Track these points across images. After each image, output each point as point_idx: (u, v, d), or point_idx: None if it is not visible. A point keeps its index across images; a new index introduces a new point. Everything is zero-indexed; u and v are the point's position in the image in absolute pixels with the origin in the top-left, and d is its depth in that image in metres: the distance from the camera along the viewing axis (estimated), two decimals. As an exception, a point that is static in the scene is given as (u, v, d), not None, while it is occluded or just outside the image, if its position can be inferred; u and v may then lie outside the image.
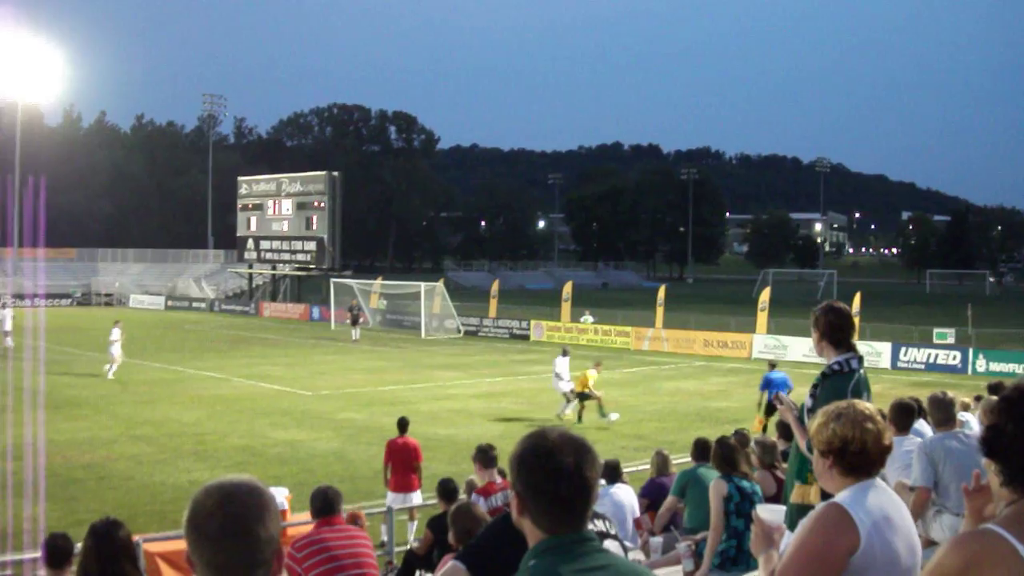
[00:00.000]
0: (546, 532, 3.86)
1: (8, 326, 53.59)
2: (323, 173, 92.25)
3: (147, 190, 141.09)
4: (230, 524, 3.36)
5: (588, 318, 71.65)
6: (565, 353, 37.24)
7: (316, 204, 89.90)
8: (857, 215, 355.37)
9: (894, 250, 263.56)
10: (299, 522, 11.55)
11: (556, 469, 3.81)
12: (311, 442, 31.39)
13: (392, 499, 20.30)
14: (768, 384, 32.64)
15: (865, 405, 5.15)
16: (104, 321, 59.91)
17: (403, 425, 22.09)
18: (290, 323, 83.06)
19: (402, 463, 20.97)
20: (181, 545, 15.47)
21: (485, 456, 13.92)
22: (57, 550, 9.66)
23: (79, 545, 9.73)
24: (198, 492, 3.47)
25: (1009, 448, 4.04)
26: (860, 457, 5.02)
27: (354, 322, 69.55)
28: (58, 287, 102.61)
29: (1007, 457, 4.05)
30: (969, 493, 4.69)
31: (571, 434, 3.94)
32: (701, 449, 14.50)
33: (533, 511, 3.87)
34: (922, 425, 12.41)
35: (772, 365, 35.26)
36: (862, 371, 8.02)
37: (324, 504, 10.66)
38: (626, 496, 14.29)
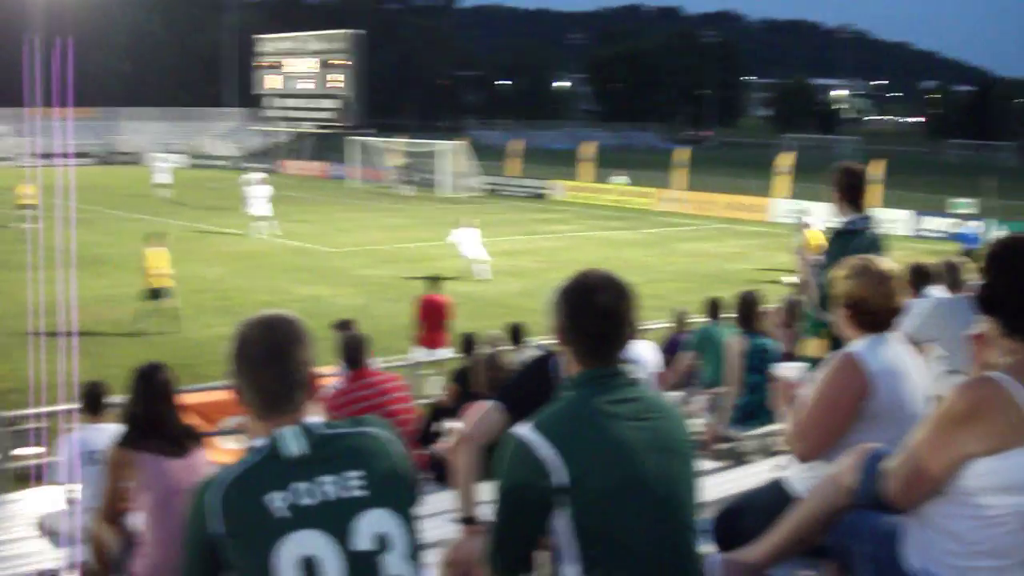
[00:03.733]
0: (582, 365, 4.18)
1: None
2: (345, 31, 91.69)
3: (166, 49, 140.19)
4: (273, 349, 3.70)
5: (623, 178, 71.57)
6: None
7: (338, 62, 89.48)
8: (880, 82, 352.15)
9: (918, 119, 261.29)
10: (329, 373, 11.69)
11: (594, 304, 4.15)
12: (333, 298, 31.73)
13: (420, 354, 20.63)
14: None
15: (886, 264, 5.36)
16: (128, 180, 60.24)
17: (435, 282, 22.42)
18: (310, 181, 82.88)
19: (433, 319, 21.30)
20: (208, 397, 15.84)
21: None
22: (94, 397, 9.99)
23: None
24: (241, 325, 3.81)
25: (1004, 302, 4.30)
26: (874, 313, 5.26)
27: (405, 181, 70.17)
28: (80, 146, 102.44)
29: (1003, 310, 4.30)
30: (971, 340, 4.91)
31: (611, 275, 4.24)
32: (715, 307, 14.79)
33: (573, 344, 4.20)
34: (938, 291, 12.61)
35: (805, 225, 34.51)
36: (876, 231, 8.19)
37: (353, 354, 10.74)
38: (647, 351, 14.55)
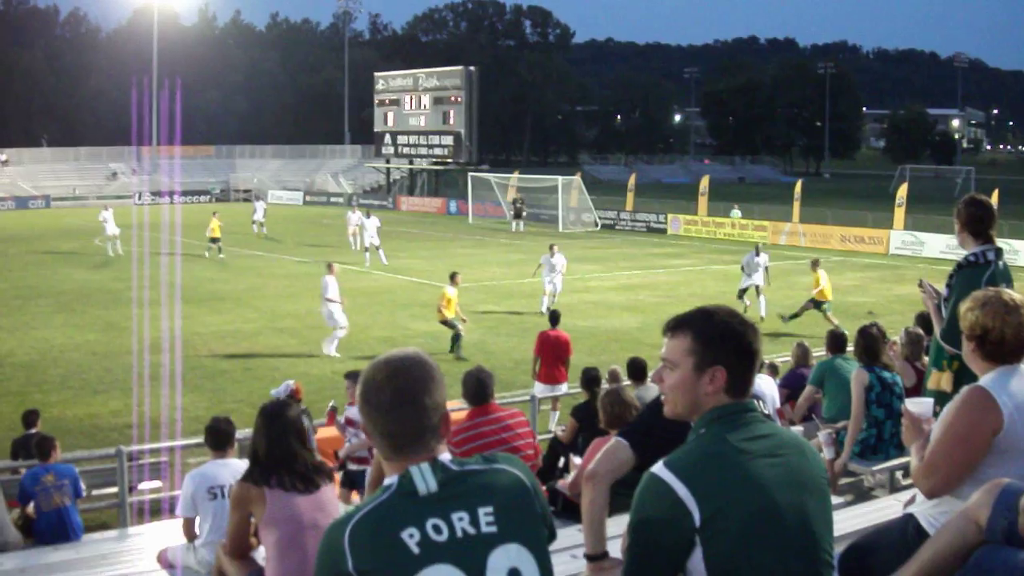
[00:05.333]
0: (720, 400, 4.16)
1: (110, 230, 53.70)
2: (460, 68, 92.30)
3: (282, 87, 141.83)
4: (399, 395, 3.70)
5: (736, 213, 71.31)
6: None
7: (453, 99, 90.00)
8: (995, 111, 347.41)
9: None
10: (454, 408, 11.67)
11: (746, 339, 4.16)
12: (451, 334, 31.79)
13: (539, 390, 20.62)
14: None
15: (1012, 295, 5.28)
16: (245, 217, 60.93)
17: (555, 318, 22.46)
18: (427, 217, 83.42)
19: (552, 355, 21.29)
20: (329, 433, 15.94)
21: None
22: (219, 432, 10.07)
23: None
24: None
25: None
26: (1000, 345, 5.18)
27: (517, 215, 70.62)
28: (197, 184, 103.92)
29: None
30: None
31: (735, 311, 4.24)
32: (836, 341, 14.63)
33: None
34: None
35: (757, 250, 36.61)
36: (1001, 263, 8.06)
37: (478, 389, 10.69)
38: (767, 386, 14.42)
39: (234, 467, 9.33)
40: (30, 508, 13.88)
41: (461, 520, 3.64)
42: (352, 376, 14.94)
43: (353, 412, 14.06)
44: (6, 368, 28.14)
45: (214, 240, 53.18)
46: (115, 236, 53.01)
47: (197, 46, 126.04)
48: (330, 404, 15.52)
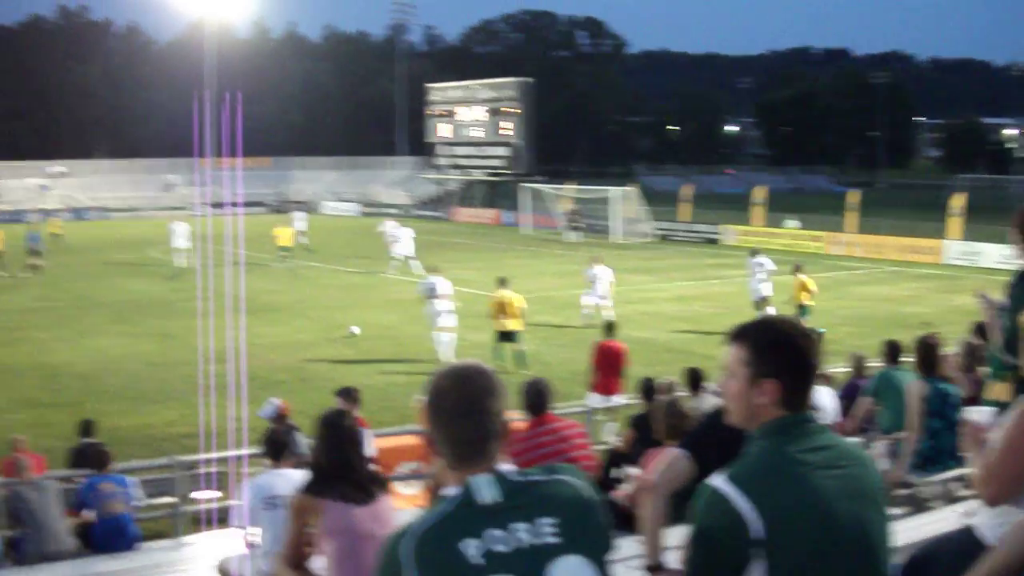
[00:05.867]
0: (776, 412, 4.15)
1: (180, 243, 53.94)
2: (515, 79, 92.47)
3: (337, 99, 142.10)
4: (467, 401, 3.76)
5: (793, 223, 71.08)
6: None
7: (508, 110, 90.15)
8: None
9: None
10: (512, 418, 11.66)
11: (803, 351, 4.16)
12: (506, 345, 31.78)
13: (594, 401, 20.59)
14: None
15: None
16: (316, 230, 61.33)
17: (611, 329, 22.43)
18: (482, 228, 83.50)
19: (608, 366, 21.26)
20: (385, 443, 15.98)
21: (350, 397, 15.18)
22: (276, 442, 10.12)
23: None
24: (434, 376, 3.87)
25: None
26: None
27: (572, 226, 71.13)
28: (253, 195, 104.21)
29: None
30: None
31: (797, 322, 4.26)
32: (892, 351, 14.53)
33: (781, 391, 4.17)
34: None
35: (754, 252, 37.84)
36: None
37: (536, 400, 10.69)
38: (825, 398, 14.36)
39: (291, 477, 9.37)
40: (87, 516, 13.99)
41: (524, 531, 3.66)
42: (345, 393, 15.04)
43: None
44: (63, 378, 28.40)
45: (284, 249, 54.63)
46: (182, 249, 53.11)
47: (252, 58, 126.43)
48: None
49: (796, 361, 4.15)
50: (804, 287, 34.39)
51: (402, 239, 52.90)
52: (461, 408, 3.76)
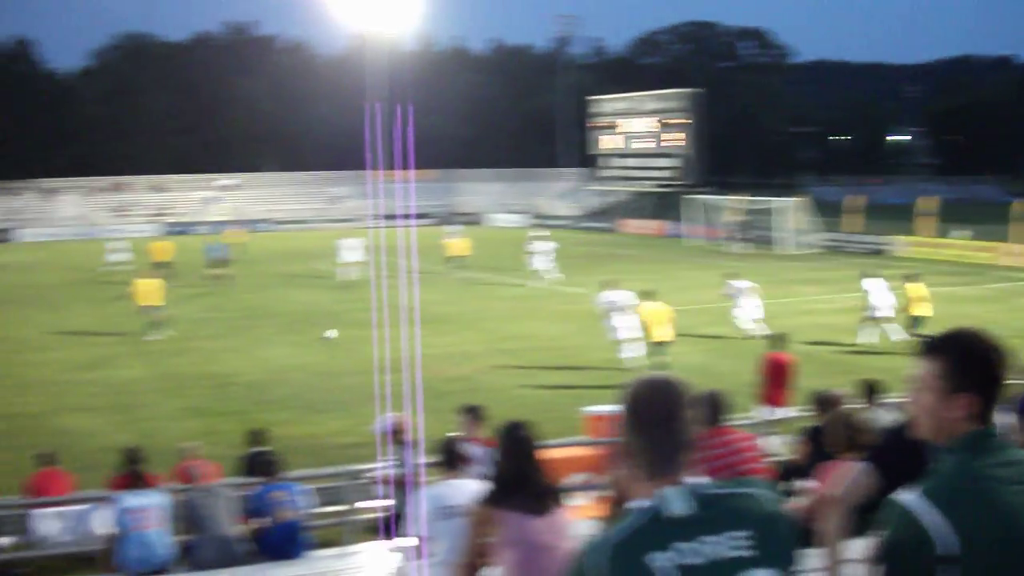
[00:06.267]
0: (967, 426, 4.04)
1: (349, 256, 55.07)
2: (682, 91, 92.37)
3: (502, 112, 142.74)
4: (663, 411, 3.75)
5: (962, 232, 70.00)
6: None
7: (675, 121, 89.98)
8: None
9: None
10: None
11: (997, 365, 4.02)
12: (675, 356, 31.56)
13: (763, 413, 20.34)
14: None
15: None
16: (472, 240, 61.57)
17: (780, 340, 22.16)
18: (648, 239, 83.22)
19: (776, 378, 21.02)
20: (553, 454, 15.85)
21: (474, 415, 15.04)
22: (451, 452, 10.05)
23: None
24: (631, 386, 3.87)
25: None
26: None
27: (737, 237, 71.13)
28: (419, 207, 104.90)
29: None
30: None
31: (989, 334, 4.11)
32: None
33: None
34: None
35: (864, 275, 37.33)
36: None
37: (711, 411, 10.56)
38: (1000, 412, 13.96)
39: (466, 487, 9.33)
40: (259, 524, 14.12)
41: (716, 544, 3.63)
42: (469, 411, 14.94)
43: (470, 448, 14.01)
44: (232, 387, 28.82)
45: (454, 260, 56.05)
46: (354, 263, 53.75)
47: (418, 71, 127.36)
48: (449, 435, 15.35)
49: (991, 375, 4.04)
50: (917, 297, 34.01)
51: (540, 251, 53.97)
52: (657, 418, 3.75)
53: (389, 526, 14.08)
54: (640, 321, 29.53)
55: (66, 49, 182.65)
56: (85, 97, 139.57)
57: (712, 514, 3.66)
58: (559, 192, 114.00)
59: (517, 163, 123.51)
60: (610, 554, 3.56)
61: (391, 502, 15.19)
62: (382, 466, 14.91)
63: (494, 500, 7.45)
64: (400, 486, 14.18)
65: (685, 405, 3.78)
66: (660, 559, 3.54)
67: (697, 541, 3.60)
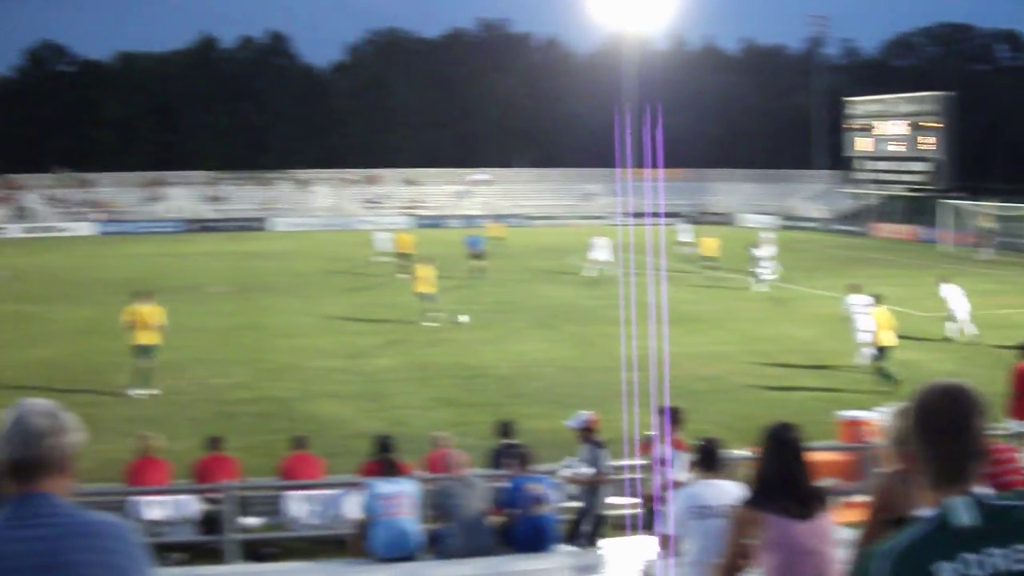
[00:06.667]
0: None
1: (599, 255, 55.27)
2: (937, 94, 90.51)
3: (754, 112, 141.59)
4: (956, 419, 3.68)
5: None
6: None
7: (929, 125, 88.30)
8: None
9: None
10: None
11: None
12: (927, 363, 30.99)
13: (1013, 426, 19.70)
14: None
15: None
16: (731, 242, 61.25)
17: (1026, 351, 21.42)
18: (900, 244, 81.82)
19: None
20: (821, 457, 15.58)
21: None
22: (709, 452, 9.91)
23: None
24: (923, 392, 3.81)
25: None
26: None
27: (986, 244, 69.83)
28: (669, 206, 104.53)
29: None
30: None
31: None
32: None
33: None
34: None
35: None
36: None
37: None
38: None
39: (722, 488, 9.24)
40: (509, 515, 14.16)
41: (1000, 556, 3.51)
42: (666, 411, 14.54)
43: (664, 449, 13.71)
44: (485, 379, 29.07)
45: (708, 259, 56.56)
46: (601, 261, 54.01)
47: (670, 70, 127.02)
48: (646, 434, 15.00)
49: None
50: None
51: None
52: (950, 427, 3.69)
53: (638, 523, 14.00)
54: (872, 325, 28.92)
55: (320, 44, 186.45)
56: (339, 91, 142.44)
57: (999, 526, 3.55)
58: (811, 194, 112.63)
59: (768, 164, 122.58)
60: (891, 562, 3.53)
61: (638, 500, 15.11)
62: (567, 464, 14.78)
63: (758, 502, 7.31)
64: (591, 487, 14.08)
65: (978, 414, 3.70)
66: (947, 569, 3.47)
67: (984, 553, 3.50)
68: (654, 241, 54.33)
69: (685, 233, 65.42)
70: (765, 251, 51.80)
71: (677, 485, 13.34)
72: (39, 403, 4.34)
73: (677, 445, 13.94)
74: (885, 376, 27.92)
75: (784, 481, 7.31)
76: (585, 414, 15.09)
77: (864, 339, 29.74)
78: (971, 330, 34.96)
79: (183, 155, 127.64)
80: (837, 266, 54.71)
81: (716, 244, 56.80)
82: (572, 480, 14.42)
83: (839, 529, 7.78)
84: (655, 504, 13.54)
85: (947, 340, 35.04)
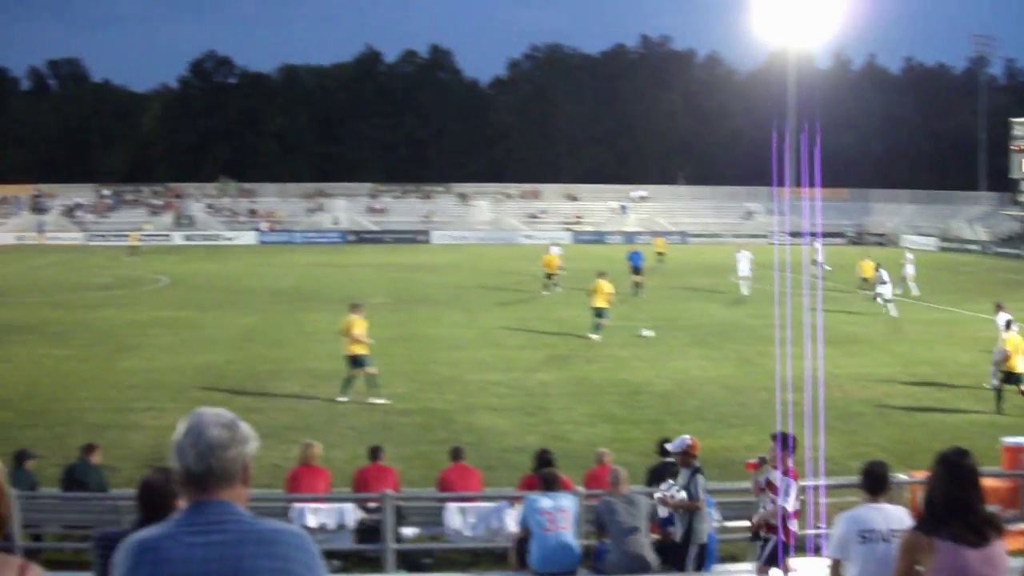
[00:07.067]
0: None
1: (744, 270, 55.01)
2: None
3: (917, 132, 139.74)
4: None
5: None
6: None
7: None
8: None
9: None
10: None
11: None
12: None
13: None
14: None
15: None
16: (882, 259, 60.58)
17: None
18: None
19: None
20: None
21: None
22: (875, 476, 9.79)
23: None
24: None
25: None
26: None
27: None
28: (830, 226, 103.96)
29: None
30: None
31: None
32: None
33: None
34: None
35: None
36: None
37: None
38: None
39: (888, 512, 9.13)
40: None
41: None
42: (778, 437, 14.19)
43: (775, 476, 13.47)
44: (644, 396, 28.98)
45: (867, 280, 54.68)
46: (747, 277, 53.87)
47: (832, 88, 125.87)
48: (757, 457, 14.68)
49: None
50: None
51: (742, 261, 54.96)
52: None
53: (797, 546, 13.89)
54: (1003, 349, 28.28)
55: (483, 59, 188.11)
56: (501, 105, 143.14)
57: None
58: (974, 215, 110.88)
59: (931, 184, 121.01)
60: None
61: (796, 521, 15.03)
62: (666, 488, 14.56)
63: (929, 527, 7.22)
64: (688, 512, 13.80)
65: None
66: None
67: None
68: (810, 259, 54.05)
69: (820, 253, 64.50)
70: (908, 271, 53.33)
71: (787, 515, 13.29)
72: (216, 413, 4.40)
73: (790, 473, 13.74)
74: (999, 400, 27.56)
75: (957, 507, 7.21)
76: (687, 438, 14.85)
77: (996, 358, 29.09)
78: None
79: (345, 167, 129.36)
80: (999, 289, 53.68)
81: (871, 266, 56.08)
82: (664, 503, 14.16)
83: (1010, 558, 7.65)
84: (770, 533, 13.46)
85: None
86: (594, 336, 38.87)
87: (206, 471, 4.26)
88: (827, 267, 61.51)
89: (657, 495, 14.33)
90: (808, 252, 60.13)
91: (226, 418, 4.38)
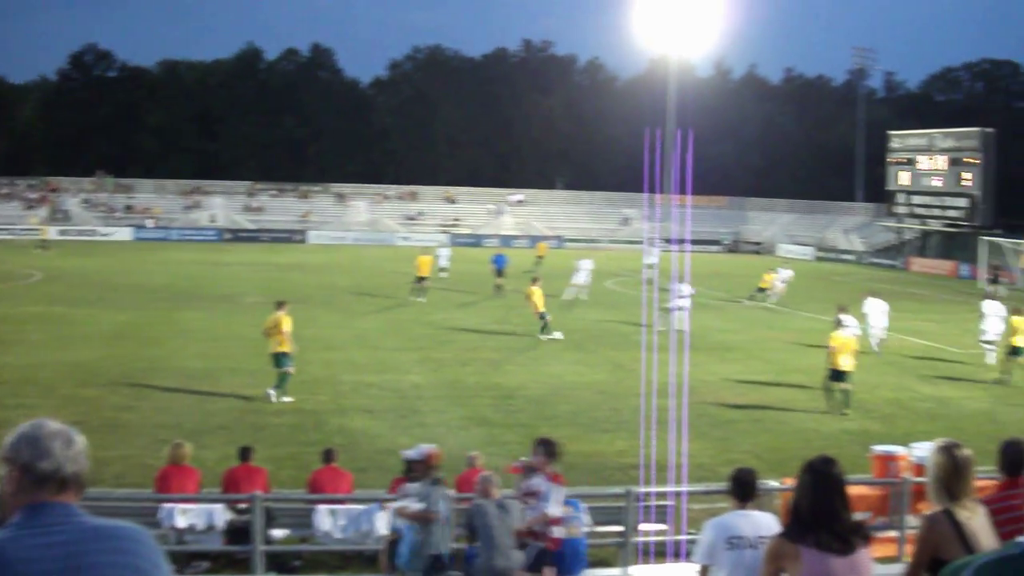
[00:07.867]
0: None
1: (581, 279, 55.46)
2: (977, 129, 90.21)
3: (796, 142, 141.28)
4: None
5: None
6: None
7: (969, 160, 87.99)
8: None
9: None
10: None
11: None
12: (960, 400, 30.81)
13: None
14: None
15: None
16: (754, 268, 61.00)
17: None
18: (937, 279, 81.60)
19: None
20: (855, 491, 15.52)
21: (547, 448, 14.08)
22: (743, 483, 9.84)
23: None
24: None
25: None
26: None
27: (993, 280, 69.18)
28: (708, 234, 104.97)
29: None
30: None
31: None
32: None
33: None
34: None
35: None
36: None
37: (1014, 459, 10.05)
38: None
39: (755, 519, 9.20)
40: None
41: None
42: (542, 443, 14.28)
43: (536, 483, 13.60)
44: (518, 400, 29.00)
45: (761, 290, 56.35)
46: (583, 285, 54.20)
47: (712, 97, 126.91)
48: (521, 461, 14.79)
49: None
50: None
51: (583, 269, 55.22)
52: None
53: (661, 551, 13.96)
54: (831, 346, 28.92)
55: (364, 59, 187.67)
56: (381, 106, 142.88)
57: None
58: (850, 226, 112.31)
59: (808, 194, 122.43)
60: (973, 573, 3.76)
61: (665, 527, 15.10)
62: (403, 494, 14.37)
63: (795, 535, 7.23)
64: (425, 521, 13.67)
65: None
66: None
67: None
68: (680, 267, 54.47)
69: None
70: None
71: (552, 520, 13.35)
72: (55, 426, 4.35)
73: (554, 478, 13.78)
74: (830, 396, 28.18)
75: (822, 515, 7.24)
76: (426, 447, 14.71)
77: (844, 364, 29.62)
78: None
79: (223, 164, 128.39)
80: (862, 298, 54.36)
81: (772, 277, 56.60)
82: (400, 514, 13.93)
83: (875, 565, 7.70)
84: (533, 539, 13.47)
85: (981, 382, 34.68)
86: (545, 336, 40.24)
87: (43, 475, 4.21)
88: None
89: (394, 506, 14.15)
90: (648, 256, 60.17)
91: (63, 431, 4.35)
